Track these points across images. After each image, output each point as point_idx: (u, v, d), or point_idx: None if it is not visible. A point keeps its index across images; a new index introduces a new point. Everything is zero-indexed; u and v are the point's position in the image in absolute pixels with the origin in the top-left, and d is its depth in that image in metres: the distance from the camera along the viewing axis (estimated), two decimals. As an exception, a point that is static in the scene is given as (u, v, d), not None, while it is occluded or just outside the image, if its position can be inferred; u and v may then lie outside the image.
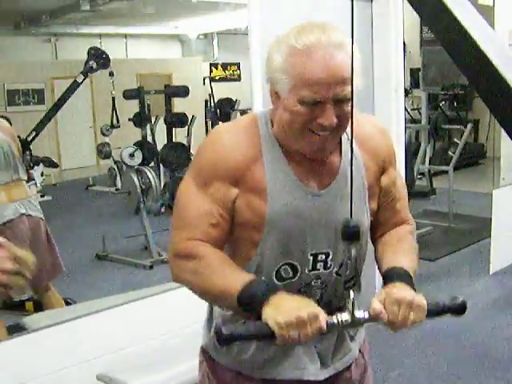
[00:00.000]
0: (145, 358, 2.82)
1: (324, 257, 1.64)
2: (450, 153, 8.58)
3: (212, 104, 11.67)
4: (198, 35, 16.17)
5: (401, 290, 1.50)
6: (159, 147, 8.38)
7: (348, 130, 1.57)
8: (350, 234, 1.48)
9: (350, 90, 1.47)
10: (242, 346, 1.69)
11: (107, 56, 6.32)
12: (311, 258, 1.64)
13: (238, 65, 16.09)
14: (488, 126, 10.77)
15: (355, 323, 1.47)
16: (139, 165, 6.56)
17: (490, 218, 5.54)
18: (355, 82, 1.47)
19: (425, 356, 3.98)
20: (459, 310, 1.54)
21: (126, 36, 14.63)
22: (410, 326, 1.48)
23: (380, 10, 4.37)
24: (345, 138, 1.65)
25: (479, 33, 1.14)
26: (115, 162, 9.22)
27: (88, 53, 6.27)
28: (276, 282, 1.63)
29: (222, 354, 1.76)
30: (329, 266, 1.65)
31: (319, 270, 1.65)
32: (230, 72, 16.09)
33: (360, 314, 1.46)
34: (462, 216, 7.20)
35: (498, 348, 4.06)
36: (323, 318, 1.42)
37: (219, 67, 15.91)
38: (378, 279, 1.72)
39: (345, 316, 1.45)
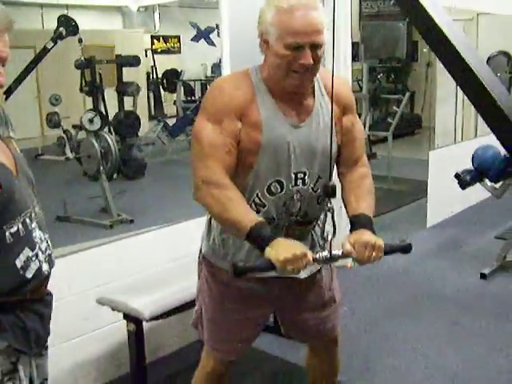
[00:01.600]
0: (139, 285, 3.17)
1: (302, 175, 2.12)
2: (389, 120, 9.02)
3: (154, 76, 11.84)
4: (139, 7, 16.17)
5: (366, 235, 2.00)
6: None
7: (320, 82, 2.13)
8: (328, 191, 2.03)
9: (322, 38, 1.98)
10: (235, 249, 2.16)
11: (76, 24, 6.53)
12: (293, 176, 2.11)
13: (179, 37, 16.20)
14: (423, 97, 11.32)
15: (332, 258, 1.98)
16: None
17: (426, 181, 6.10)
18: (325, 33, 1.98)
19: (372, 294, 4.52)
20: (406, 249, 2.08)
21: (67, 6, 14.51)
22: (371, 262, 2.00)
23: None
24: (317, 86, 2.14)
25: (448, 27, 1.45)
26: (64, 131, 9.36)
27: (58, 20, 6.48)
28: (268, 195, 2.10)
29: (219, 258, 2.21)
30: (306, 182, 2.14)
31: (299, 185, 2.13)
32: (171, 44, 16.19)
33: (336, 252, 1.97)
34: (400, 179, 7.70)
35: (432, 286, 4.67)
36: (310, 255, 1.91)
37: (161, 39, 16.00)
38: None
39: (325, 253, 1.96)
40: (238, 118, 2.02)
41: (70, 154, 8.50)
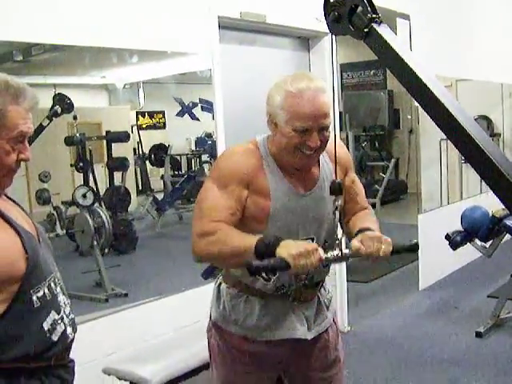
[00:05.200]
0: (143, 355, 3.20)
1: (310, 241, 2.17)
2: (376, 186, 9.18)
3: (140, 151, 11.98)
4: (125, 84, 16.46)
5: (372, 232, 2.06)
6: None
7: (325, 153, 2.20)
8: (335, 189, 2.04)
9: (329, 121, 2.06)
10: (246, 314, 2.21)
11: (71, 102, 6.68)
12: None
13: (163, 113, 16.42)
14: (407, 163, 11.52)
15: (343, 257, 2.01)
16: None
17: (416, 245, 6.17)
18: (331, 115, 2.07)
19: (370, 357, 4.56)
20: (414, 248, 2.14)
21: (55, 86, 14.78)
22: (381, 255, 2.01)
23: (316, 58, 4.99)
24: (321, 156, 2.23)
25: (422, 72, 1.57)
26: (54, 208, 9.42)
27: (53, 98, 6.63)
28: None
29: (230, 324, 2.26)
30: None
31: None
32: (156, 120, 16.41)
33: (346, 251, 2.01)
34: (390, 244, 7.78)
35: (430, 346, 4.71)
36: (321, 251, 1.93)
37: (146, 115, 16.23)
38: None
39: (335, 252, 1.99)
40: (244, 186, 2.10)
41: (60, 231, 8.53)
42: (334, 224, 2.23)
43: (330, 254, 1.97)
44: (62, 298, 1.79)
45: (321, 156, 2.23)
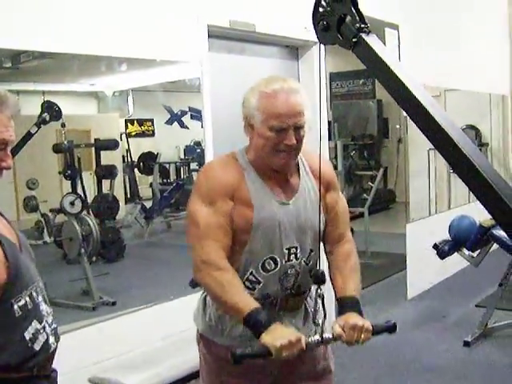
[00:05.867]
0: (129, 364, 3.18)
1: (295, 249, 2.20)
2: (364, 195, 9.20)
3: (129, 159, 11.96)
4: (114, 92, 16.41)
5: (354, 318, 2.10)
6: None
7: (304, 161, 2.25)
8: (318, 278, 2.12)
9: (304, 119, 2.10)
10: (232, 325, 2.20)
11: (59, 109, 6.68)
12: (286, 251, 2.19)
13: (152, 121, 16.40)
14: (396, 172, 11.54)
15: (324, 342, 2.08)
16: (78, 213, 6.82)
17: (404, 254, 6.21)
18: (306, 114, 2.10)
19: (358, 367, 4.55)
20: (392, 329, 2.18)
21: (43, 93, 14.71)
22: (361, 344, 2.09)
23: (304, 67, 5.00)
24: (301, 165, 2.26)
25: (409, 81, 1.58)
26: (42, 215, 9.38)
27: (41, 106, 6.63)
28: (262, 272, 2.17)
29: (217, 334, 2.25)
30: (298, 256, 2.21)
31: (292, 260, 2.20)
32: (145, 128, 16.39)
33: (327, 335, 2.07)
34: (378, 253, 7.81)
35: (418, 356, 4.72)
36: (304, 340, 1.99)
37: (135, 123, 16.20)
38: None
39: (317, 337, 2.05)
40: (229, 198, 2.11)
41: (47, 238, 8.50)
42: (318, 232, 2.22)
43: (311, 340, 2.02)
44: (44, 307, 1.77)
45: (301, 165, 2.25)
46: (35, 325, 1.72)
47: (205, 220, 2.10)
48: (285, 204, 2.18)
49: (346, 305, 2.17)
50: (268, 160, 2.14)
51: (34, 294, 1.73)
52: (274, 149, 2.09)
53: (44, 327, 1.74)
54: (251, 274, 2.16)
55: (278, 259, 2.17)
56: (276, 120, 2.06)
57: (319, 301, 2.16)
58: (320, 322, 2.15)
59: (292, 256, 2.19)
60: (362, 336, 2.06)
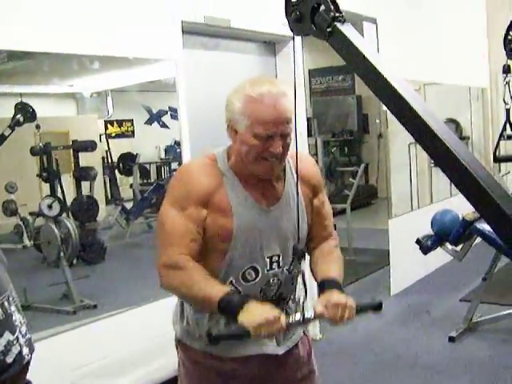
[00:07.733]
0: (112, 368, 3.10)
1: (277, 258, 2.09)
2: (345, 192, 9.16)
3: (109, 160, 11.84)
4: (92, 93, 16.29)
5: (336, 296, 1.98)
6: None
7: (291, 163, 2.11)
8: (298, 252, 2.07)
9: (291, 127, 1.97)
10: (209, 328, 2.08)
11: (34, 110, 6.57)
12: (268, 260, 2.08)
13: (132, 121, 16.27)
14: (377, 168, 11.52)
15: (305, 321, 1.96)
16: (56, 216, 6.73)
17: (387, 250, 6.17)
18: (292, 120, 1.97)
19: (343, 363, 4.50)
20: (377, 307, 2.04)
21: (21, 95, 14.58)
22: (344, 322, 1.96)
23: (282, 62, 4.94)
24: (288, 168, 2.14)
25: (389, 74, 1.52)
26: (21, 219, 9.25)
27: (15, 107, 6.51)
28: (243, 282, 2.06)
29: (195, 339, 2.15)
30: (281, 265, 2.10)
31: (274, 269, 2.10)
32: (125, 128, 16.28)
33: (308, 314, 1.95)
34: (361, 250, 7.74)
35: (402, 352, 4.69)
36: (283, 319, 1.88)
37: (115, 124, 16.08)
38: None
39: (297, 316, 1.95)
40: (202, 206, 2.00)
41: (27, 242, 8.38)
42: (298, 239, 2.12)
43: (291, 319, 1.93)
44: (17, 317, 1.69)
45: (287, 168, 2.14)
46: (7, 336, 1.64)
47: (172, 226, 2.00)
48: (266, 211, 2.07)
49: (327, 284, 2.04)
50: (251, 168, 2.01)
51: (6, 303, 1.66)
52: (258, 156, 1.96)
53: (17, 338, 1.67)
54: (231, 283, 2.05)
55: (260, 268, 2.07)
56: (262, 127, 1.91)
57: (300, 279, 2.07)
58: (301, 300, 2.06)
59: (274, 264, 2.09)
60: (346, 313, 1.93)
